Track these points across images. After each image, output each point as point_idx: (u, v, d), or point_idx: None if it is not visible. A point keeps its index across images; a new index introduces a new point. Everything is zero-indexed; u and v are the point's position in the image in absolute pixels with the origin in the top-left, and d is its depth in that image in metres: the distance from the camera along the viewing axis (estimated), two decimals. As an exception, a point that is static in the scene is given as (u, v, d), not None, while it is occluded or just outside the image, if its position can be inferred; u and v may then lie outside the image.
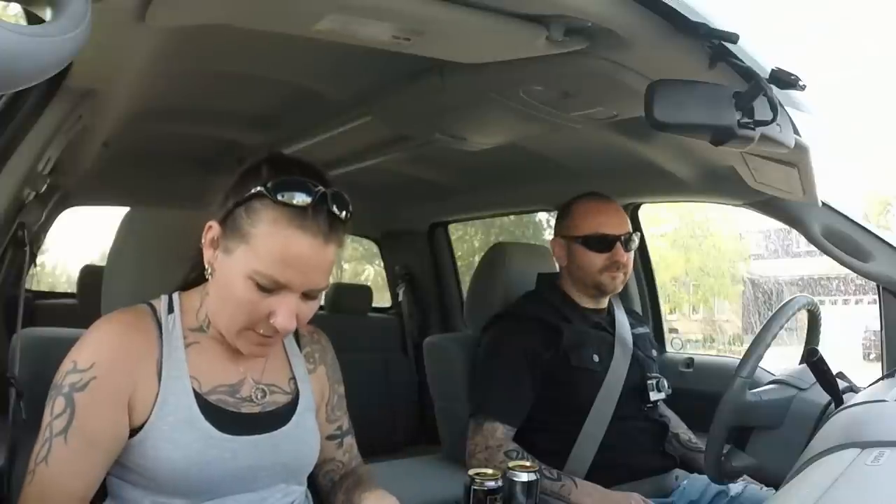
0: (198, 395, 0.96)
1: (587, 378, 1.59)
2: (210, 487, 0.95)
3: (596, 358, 1.61)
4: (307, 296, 0.94)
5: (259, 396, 1.03)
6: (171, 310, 1.01)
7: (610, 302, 1.76)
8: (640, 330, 1.79)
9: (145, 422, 0.93)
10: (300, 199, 0.89)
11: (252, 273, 0.90)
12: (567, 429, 1.57)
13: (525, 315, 1.67)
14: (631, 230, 1.71)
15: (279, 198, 0.89)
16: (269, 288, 0.91)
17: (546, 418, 1.58)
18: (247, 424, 0.99)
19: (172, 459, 0.92)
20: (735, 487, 1.50)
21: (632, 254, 1.71)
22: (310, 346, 1.17)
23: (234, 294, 0.92)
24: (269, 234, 0.89)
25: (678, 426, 1.79)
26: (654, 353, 1.81)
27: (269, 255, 0.89)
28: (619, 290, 1.71)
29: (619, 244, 1.66)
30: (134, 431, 0.93)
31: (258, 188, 0.91)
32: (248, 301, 0.92)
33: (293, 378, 1.09)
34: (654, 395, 1.65)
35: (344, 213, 0.93)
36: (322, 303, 3.21)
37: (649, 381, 1.65)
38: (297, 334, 1.16)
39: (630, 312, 1.83)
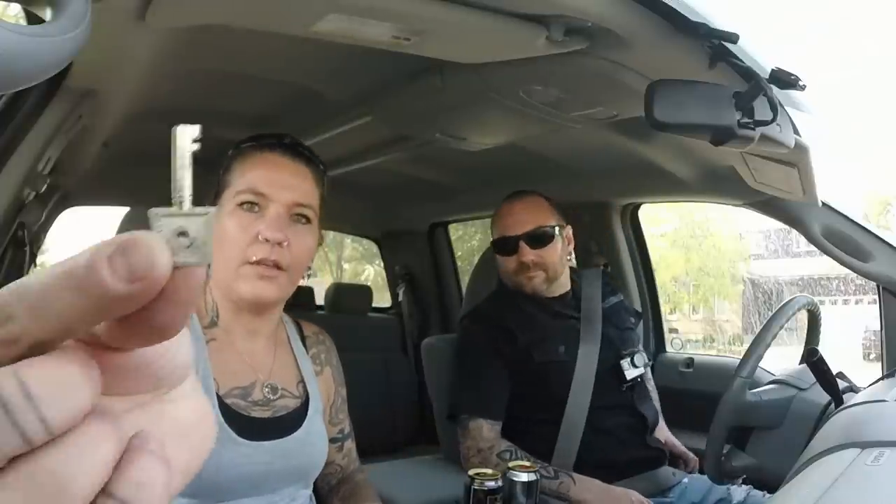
0: (218, 397, 0.96)
1: (556, 371, 1.57)
2: (219, 490, 0.94)
3: (562, 349, 1.59)
4: (295, 219, 1.00)
5: (269, 395, 1.02)
6: None
7: (574, 282, 1.71)
8: (613, 300, 1.73)
9: None
10: (264, 140, 1.05)
11: (235, 199, 0.98)
12: (546, 427, 1.55)
13: (485, 314, 1.67)
14: (544, 225, 1.60)
15: (248, 144, 1.04)
16: (252, 201, 0.98)
17: (523, 417, 1.57)
18: (260, 429, 0.99)
19: None
20: (738, 494, 1.49)
21: (551, 249, 1.60)
22: (315, 346, 1.16)
23: (226, 233, 0.97)
24: (243, 166, 1.02)
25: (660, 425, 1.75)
26: (633, 320, 1.75)
27: (245, 175, 1.00)
28: (544, 287, 1.63)
29: (522, 243, 1.60)
30: None
31: (232, 149, 1.06)
32: (238, 227, 0.97)
33: (302, 381, 1.09)
34: (630, 373, 1.59)
35: (306, 151, 1.06)
36: (322, 303, 3.19)
37: (623, 360, 1.59)
38: (302, 335, 1.16)
39: (605, 282, 1.76)
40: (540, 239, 1.61)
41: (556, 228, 1.64)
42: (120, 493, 0.20)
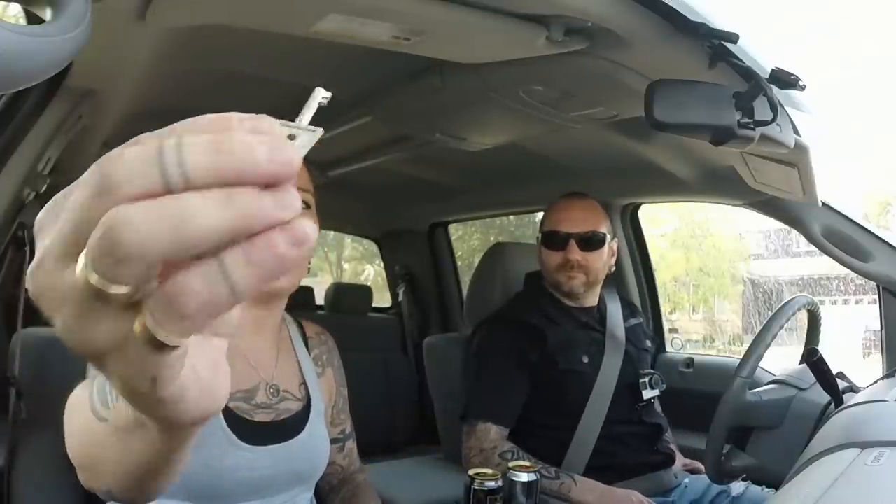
0: None
1: (577, 380, 1.58)
2: (220, 495, 0.94)
3: (585, 359, 1.59)
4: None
5: (273, 396, 1.02)
6: None
7: (601, 296, 1.73)
8: (633, 321, 1.76)
9: None
10: None
11: None
12: (560, 433, 1.56)
13: (511, 318, 1.66)
14: (598, 229, 1.63)
15: None
16: None
17: (538, 422, 1.57)
18: (263, 434, 0.98)
19: (190, 463, 0.90)
20: (736, 488, 1.50)
21: (599, 254, 1.62)
22: (317, 348, 1.16)
23: None
24: None
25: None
26: (649, 343, 1.78)
27: None
28: (582, 291, 1.64)
29: (573, 242, 1.61)
30: None
31: None
32: None
33: (304, 383, 1.08)
34: (647, 394, 1.61)
35: None
36: (322, 303, 3.18)
37: (642, 380, 1.62)
38: (304, 336, 1.16)
39: (625, 303, 1.81)
40: (590, 242, 1.62)
41: (607, 236, 1.65)
42: (253, 255, 0.24)
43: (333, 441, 1.16)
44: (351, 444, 1.22)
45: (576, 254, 1.61)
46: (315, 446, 1.05)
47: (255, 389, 1.01)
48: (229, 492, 0.94)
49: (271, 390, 1.02)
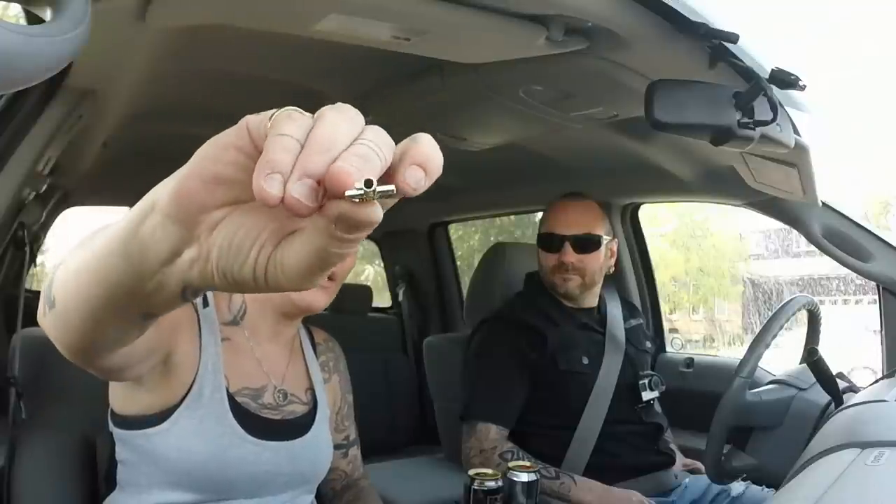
0: (228, 393, 0.96)
1: (577, 381, 1.58)
2: (224, 486, 0.94)
3: (585, 360, 1.59)
4: None
5: (280, 399, 1.02)
6: (206, 304, 1.01)
7: (601, 297, 1.73)
8: (633, 322, 1.75)
9: (179, 403, 0.92)
10: None
11: None
12: (560, 433, 1.56)
13: (511, 318, 1.66)
14: (593, 232, 1.62)
15: None
16: None
17: (538, 422, 1.57)
18: (269, 429, 0.99)
19: (196, 452, 0.91)
20: (737, 487, 1.50)
21: (594, 257, 1.61)
22: (325, 354, 1.17)
23: None
24: None
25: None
26: (649, 344, 1.78)
27: None
28: (577, 293, 1.64)
29: (567, 244, 1.60)
30: (165, 414, 0.92)
31: None
32: None
33: (311, 388, 1.09)
34: (646, 395, 1.61)
35: None
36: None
37: (641, 382, 1.62)
38: (313, 342, 1.16)
39: (625, 303, 1.81)
40: (585, 245, 1.61)
41: (604, 238, 1.64)
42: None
43: (338, 447, 1.17)
44: (355, 451, 1.23)
45: (570, 256, 1.61)
46: (318, 448, 1.05)
47: (263, 389, 1.01)
48: (232, 484, 0.94)
49: (279, 394, 1.03)
